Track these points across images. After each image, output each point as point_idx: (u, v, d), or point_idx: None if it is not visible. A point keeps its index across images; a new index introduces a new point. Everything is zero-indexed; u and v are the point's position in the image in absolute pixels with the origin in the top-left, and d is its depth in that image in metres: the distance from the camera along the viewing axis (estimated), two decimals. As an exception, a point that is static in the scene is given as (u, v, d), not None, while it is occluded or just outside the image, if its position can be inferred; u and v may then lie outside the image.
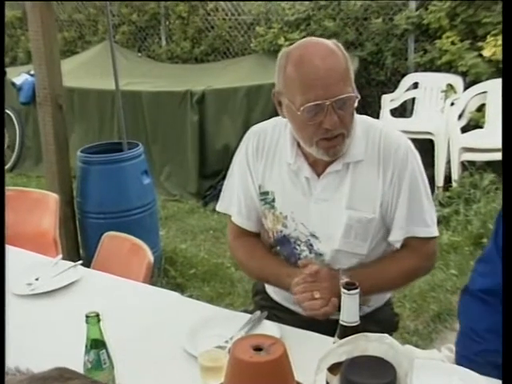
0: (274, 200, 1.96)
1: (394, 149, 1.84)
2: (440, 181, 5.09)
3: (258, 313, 1.86)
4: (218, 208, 2.13)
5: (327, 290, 1.79)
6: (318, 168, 1.89)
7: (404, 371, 1.09)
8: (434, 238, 1.94)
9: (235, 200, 2.04)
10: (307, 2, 6.23)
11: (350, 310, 1.29)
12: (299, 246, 1.96)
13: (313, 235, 1.92)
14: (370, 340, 1.13)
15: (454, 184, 4.95)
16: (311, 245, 1.94)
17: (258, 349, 1.23)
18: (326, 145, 1.77)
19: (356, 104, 1.77)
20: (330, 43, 1.78)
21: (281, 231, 1.97)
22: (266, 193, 1.97)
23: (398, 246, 1.92)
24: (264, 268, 2.02)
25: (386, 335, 1.15)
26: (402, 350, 1.12)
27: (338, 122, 1.73)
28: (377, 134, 1.87)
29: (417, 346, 2.80)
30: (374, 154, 1.85)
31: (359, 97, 1.77)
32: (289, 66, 1.76)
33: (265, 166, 1.96)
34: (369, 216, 1.86)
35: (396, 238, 1.90)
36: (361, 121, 1.89)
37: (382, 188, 1.85)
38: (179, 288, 3.70)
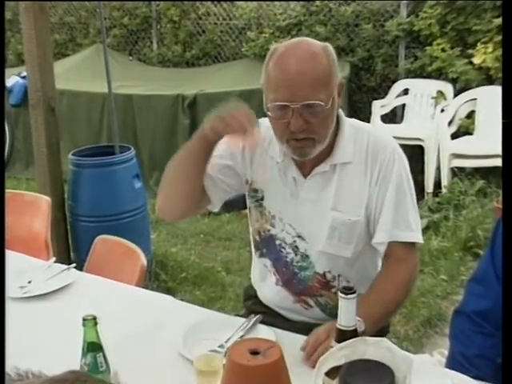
0: (262, 198, 1.95)
1: (382, 148, 1.84)
2: (430, 187, 5.12)
3: (252, 316, 1.86)
4: None
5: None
6: (305, 169, 1.88)
7: (402, 375, 1.09)
8: (416, 244, 1.89)
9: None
10: (299, 8, 6.26)
11: (347, 314, 1.30)
12: (284, 248, 1.95)
13: (299, 236, 1.92)
14: (368, 344, 1.14)
15: (444, 190, 4.99)
16: (297, 246, 1.93)
17: (255, 352, 1.24)
18: (294, 144, 1.77)
19: (329, 111, 1.73)
20: (318, 47, 1.76)
21: (268, 230, 1.96)
22: (256, 190, 1.96)
23: (381, 250, 1.87)
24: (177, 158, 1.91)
25: (385, 339, 1.16)
26: (400, 353, 1.13)
27: (305, 127, 1.71)
28: (365, 137, 1.86)
29: (407, 351, 2.79)
30: (362, 155, 1.84)
31: (328, 106, 1.71)
32: (270, 62, 1.75)
33: (257, 163, 1.95)
34: (353, 218, 1.85)
35: (379, 239, 1.85)
36: (349, 124, 1.88)
37: (368, 190, 1.84)
38: (170, 292, 3.68)
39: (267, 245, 2.00)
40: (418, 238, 1.88)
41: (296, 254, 1.94)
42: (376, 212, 1.85)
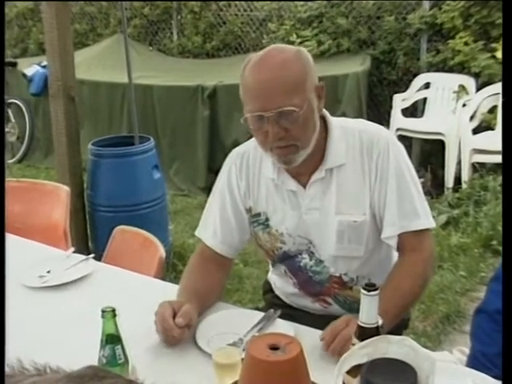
0: (267, 219, 1.94)
1: (375, 142, 1.82)
2: (450, 182, 5.08)
3: (271, 311, 1.85)
4: (196, 233, 2.05)
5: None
6: (302, 179, 1.87)
7: (425, 374, 1.08)
8: (428, 230, 1.86)
9: (211, 222, 2.00)
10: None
11: (369, 311, 1.28)
12: (301, 254, 1.94)
13: (311, 243, 1.91)
14: (390, 342, 1.12)
15: (464, 185, 4.94)
16: (312, 252, 1.93)
17: (274, 348, 1.22)
18: (278, 152, 1.75)
19: (306, 116, 1.70)
20: (290, 53, 1.73)
21: (281, 248, 1.96)
22: (258, 214, 1.95)
23: (392, 244, 1.85)
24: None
25: (407, 338, 1.14)
26: (423, 352, 1.11)
27: (284, 134, 1.70)
28: (356, 134, 1.84)
29: (425, 347, 2.76)
30: (356, 155, 1.83)
31: (304, 110, 1.69)
32: (245, 71, 1.74)
33: (252, 187, 1.94)
34: (359, 219, 1.83)
35: (388, 234, 1.83)
36: (337, 125, 1.86)
37: (369, 188, 1.82)
38: (187, 283, 3.68)
39: (283, 259, 2.00)
40: (427, 224, 1.85)
41: (311, 259, 1.94)
42: (380, 207, 1.83)
